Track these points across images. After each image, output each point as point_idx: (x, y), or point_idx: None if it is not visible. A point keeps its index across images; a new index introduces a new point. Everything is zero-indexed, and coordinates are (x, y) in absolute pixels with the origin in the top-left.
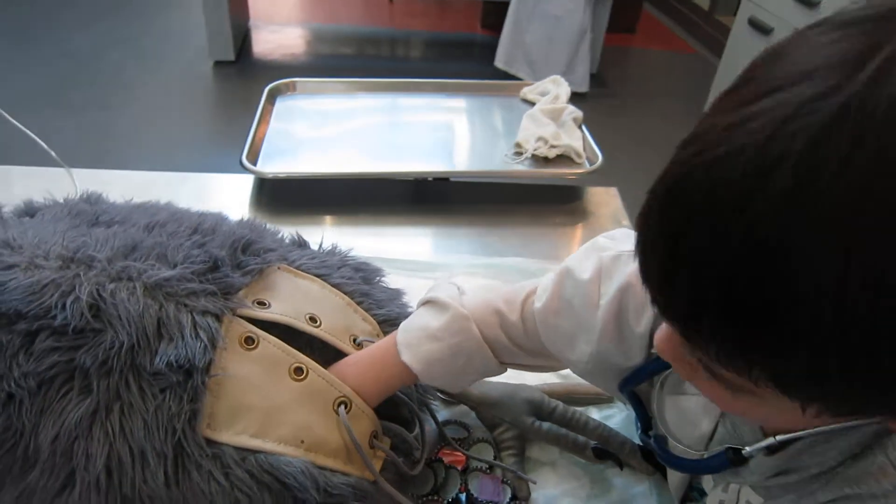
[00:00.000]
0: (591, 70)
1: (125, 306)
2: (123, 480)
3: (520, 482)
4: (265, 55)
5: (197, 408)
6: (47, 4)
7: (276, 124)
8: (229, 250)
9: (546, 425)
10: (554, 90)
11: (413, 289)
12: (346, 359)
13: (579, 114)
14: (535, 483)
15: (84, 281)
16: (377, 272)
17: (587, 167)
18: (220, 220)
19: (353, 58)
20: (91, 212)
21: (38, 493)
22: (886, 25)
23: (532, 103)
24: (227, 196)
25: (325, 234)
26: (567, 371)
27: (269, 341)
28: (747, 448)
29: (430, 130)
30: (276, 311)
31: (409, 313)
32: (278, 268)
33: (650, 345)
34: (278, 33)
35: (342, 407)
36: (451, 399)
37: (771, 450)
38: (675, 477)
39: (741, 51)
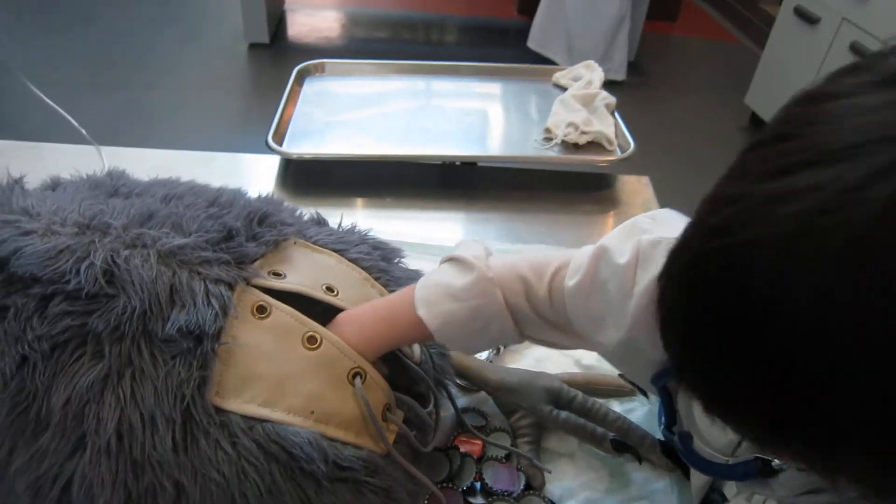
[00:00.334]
0: (629, 58)
1: (138, 272)
2: (133, 445)
3: (534, 471)
4: (299, 38)
5: (206, 375)
6: None
7: (304, 105)
8: (245, 221)
9: (564, 414)
10: (587, 75)
11: None
12: (353, 309)
13: (612, 100)
14: (549, 472)
15: (99, 247)
16: (396, 252)
17: (618, 154)
18: (238, 194)
19: (387, 42)
20: (111, 184)
21: (50, 456)
22: None
23: (564, 88)
24: (252, 176)
25: (347, 215)
26: (588, 362)
27: (281, 310)
28: (777, 460)
29: (459, 114)
30: (292, 282)
31: None
32: (294, 242)
33: None
34: (313, 16)
35: (357, 378)
36: (470, 386)
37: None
38: (699, 478)
39: (786, 42)
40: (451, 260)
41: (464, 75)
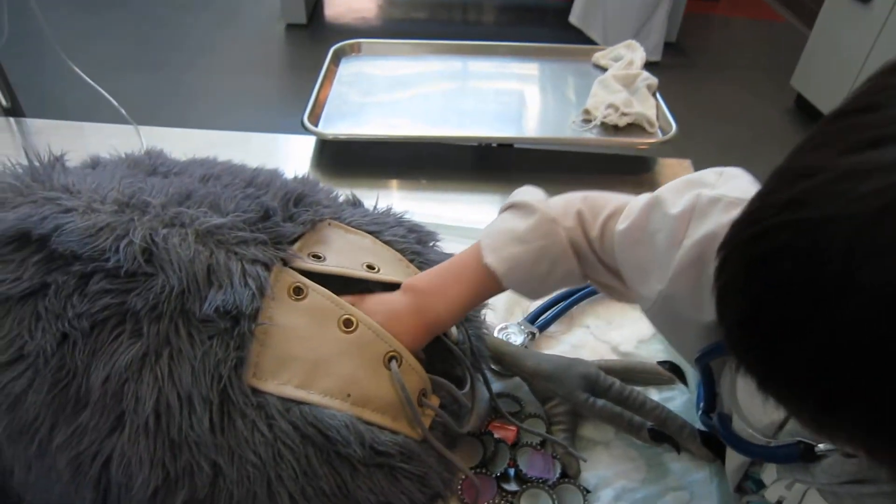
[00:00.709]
0: (670, 38)
1: (177, 251)
2: (171, 425)
3: (570, 459)
4: (337, 18)
5: (243, 356)
6: None
7: (340, 86)
8: (281, 202)
9: (601, 402)
10: (628, 55)
11: None
12: (420, 274)
13: (654, 80)
14: (585, 461)
15: (138, 225)
16: (431, 235)
17: (660, 137)
18: (274, 175)
19: (424, 22)
20: (149, 163)
21: (90, 433)
22: None
23: (604, 69)
24: (288, 156)
25: (382, 197)
26: (626, 349)
27: (317, 292)
28: (821, 445)
29: (496, 95)
30: (333, 264)
31: None
32: (329, 223)
33: None
34: None
35: (393, 361)
36: (505, 372)
37: (850, 452)
38: (733, 462)
39: (836, 21)
40: (512, 207)
41: (501, 55)
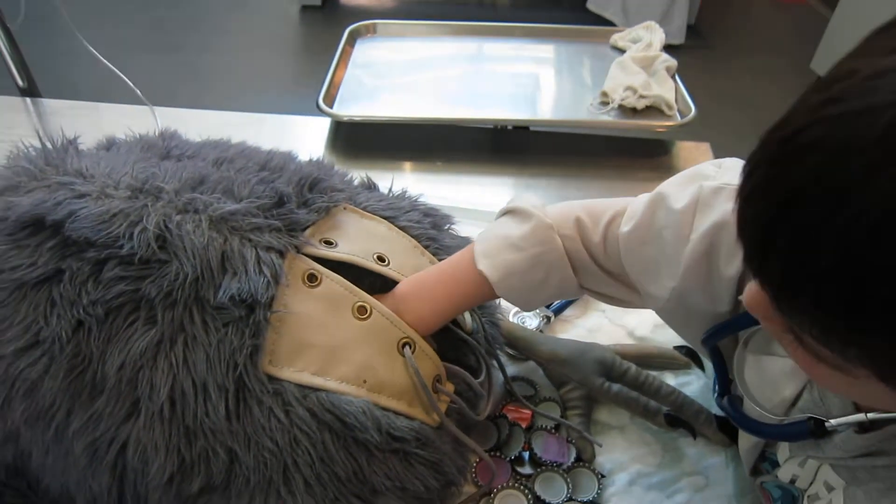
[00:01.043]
0: (689, 21)
1: (190, 238)
2: (186, 412)
3: (584, 443)
4: (352, 0)
5: (258, 343)
6: None
7: (355, 68)
8: (296, 187)
9: (616, 387)
10: (647, 37)
11: None
12: (414, 276)
13: (673, 62)
14: (600, 445)
15: (152, 212)
16: (447, 219)
17: (678, 119)
18: (288, 158)
19: (439, 4)
20: (162, 146)
21: (106, 419)
22: None
23: (622, 51)
24: (303, 138)
25: (397, 179)
26: (642, 333)
27: (331, 279)
28: (831, 421)
29: (512, 77)
30: (344, 251)
31: None
32: (344, 207)
33: (738, 291)
34: None
35: (406, 347)
36: (520, 356)
37: (862, 427)
38: (747, 444)
39: (858, 4)
40: (509, 212)
41: (517, 37)
